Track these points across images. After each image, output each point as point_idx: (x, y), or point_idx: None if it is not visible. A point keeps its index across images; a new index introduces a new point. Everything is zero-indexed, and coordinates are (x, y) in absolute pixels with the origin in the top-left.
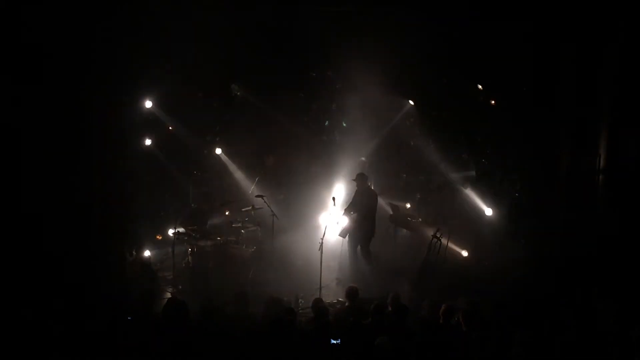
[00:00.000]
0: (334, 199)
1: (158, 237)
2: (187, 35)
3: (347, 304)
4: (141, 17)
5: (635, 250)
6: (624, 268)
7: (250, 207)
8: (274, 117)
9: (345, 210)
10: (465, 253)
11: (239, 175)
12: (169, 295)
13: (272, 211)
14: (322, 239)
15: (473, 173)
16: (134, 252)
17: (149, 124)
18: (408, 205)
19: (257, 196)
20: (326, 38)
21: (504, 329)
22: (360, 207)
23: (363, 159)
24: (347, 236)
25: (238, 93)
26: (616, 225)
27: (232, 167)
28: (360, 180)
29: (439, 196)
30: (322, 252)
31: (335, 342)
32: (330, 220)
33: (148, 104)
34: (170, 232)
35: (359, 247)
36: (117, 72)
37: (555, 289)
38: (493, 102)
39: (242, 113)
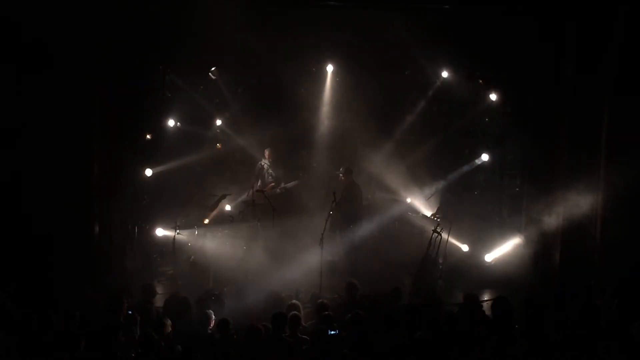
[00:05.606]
0: (334, 193)
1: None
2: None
3: (346, 298)
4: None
5: (636, 244)
6: (625, 263)
7: (250, 198)
8: (275, 113)
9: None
10: (465, 248)
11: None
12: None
13: (272, 206)
14: (323, 233)
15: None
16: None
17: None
18: (409, 200)
19: (258, 191)
20: (326, 34)
21: (505, 325)
22: (344, 200)
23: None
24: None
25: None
26: (617, 220)
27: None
28: (345, 174)
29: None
30: (322, 247)
31: (333, 332)
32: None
33: None
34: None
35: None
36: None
37: (556, 285)
38: (494, 96)
39: (243, 108)
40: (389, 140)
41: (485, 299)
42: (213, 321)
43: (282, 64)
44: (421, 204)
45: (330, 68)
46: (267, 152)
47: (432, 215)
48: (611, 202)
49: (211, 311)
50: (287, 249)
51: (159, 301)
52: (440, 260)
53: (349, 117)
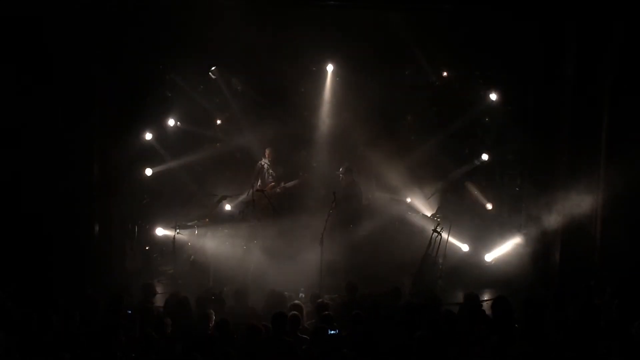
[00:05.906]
0: (334, 193)
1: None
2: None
3: (346, 298)
4: None
5: (636, 244)
6: (625, 263)
7: (250, 198)
8: (275, 112)
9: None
10: (465, 248)
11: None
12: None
13: (272, 205)
14: (323, 233)
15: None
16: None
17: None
18: (409, 200)
19: (258, 191)
20: (326, 33)
21: (505, 325)
22: (344, 200)
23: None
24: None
25: (239, 88)
26: (617, 220)
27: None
28: (345, 174)
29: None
30: (322, 247)
31: (333, 332)
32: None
33: None
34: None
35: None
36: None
37: (556, 285)
38: (494, 96)
39: (243, 108)
40: (389, 140)
41: (485, 298)
42: (213, 321)
43: (282, 64)
44: (421, 204)
45: (330, 67)
46: (267, 152)
47: (432, 215)
48: (611, 202)
49: (211, 311)
50: (287, 249)
51: (159, 301)
52: (440, 260)
53: (349, 117)
